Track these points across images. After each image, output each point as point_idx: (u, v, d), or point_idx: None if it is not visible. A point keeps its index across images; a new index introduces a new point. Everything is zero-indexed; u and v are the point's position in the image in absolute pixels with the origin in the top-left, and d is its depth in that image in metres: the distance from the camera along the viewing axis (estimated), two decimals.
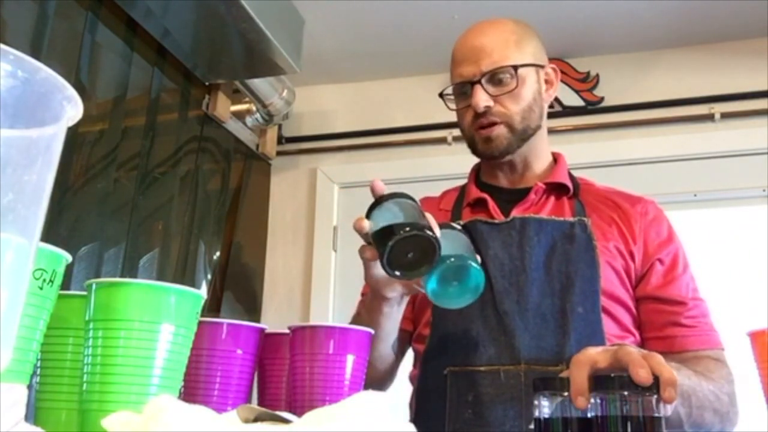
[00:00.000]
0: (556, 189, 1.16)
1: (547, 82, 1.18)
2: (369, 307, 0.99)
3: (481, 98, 1.09)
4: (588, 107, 2.40)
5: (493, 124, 1.11)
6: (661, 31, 2.30)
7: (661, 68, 2.39)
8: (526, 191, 1.15)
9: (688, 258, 1.14)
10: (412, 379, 1.17)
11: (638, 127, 2.35)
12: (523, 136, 1.13)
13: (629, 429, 0.64)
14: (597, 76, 2.42)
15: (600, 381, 0.67)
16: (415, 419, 1.08)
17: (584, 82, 2.42)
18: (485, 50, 1.11)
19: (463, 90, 1.14)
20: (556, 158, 1.22)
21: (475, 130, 1.13)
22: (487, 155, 1.15)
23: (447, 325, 1.06)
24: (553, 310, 1.03)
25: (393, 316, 0.98)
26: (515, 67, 1.10)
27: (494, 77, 1.10)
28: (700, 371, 0.99)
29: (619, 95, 2.39)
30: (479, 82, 1.10)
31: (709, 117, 2.28)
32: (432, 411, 1.04)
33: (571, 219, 1.10)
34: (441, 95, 1.18)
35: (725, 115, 2.26)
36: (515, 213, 1.12)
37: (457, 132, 2.60)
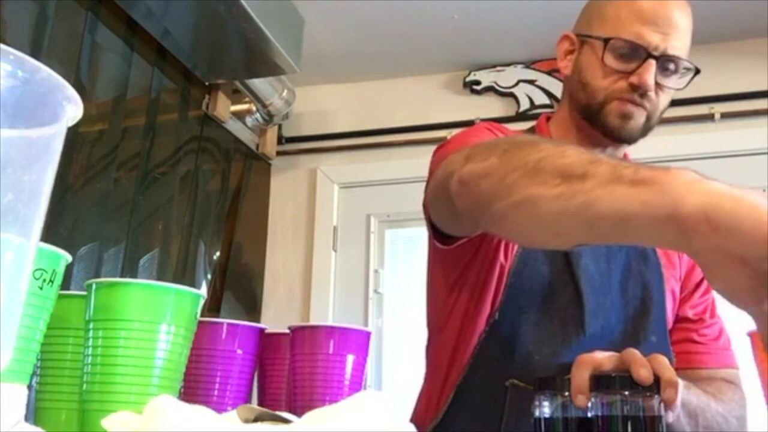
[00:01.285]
0: None
1: None
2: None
3: (652, 78, 0.93)
4: None
5: (641, 106, 0.96)
6: None
7: None
8: None
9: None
10: (442, 366, 1.01)
11: None
12: (645, 135, 1.01)
13: (629, 429, 0.64)
14: None
15: (601, 380, 0.66)
16: (445, 414, 0.96)
17: None
18: (680, 31, 0.95)
19: (627, 51, 0.94)
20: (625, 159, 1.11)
21: (617, 98, 0.96)
22: (614, 133, 0.97)
23: (516, 330, 0.93)
24: (626, 337, 0.93)
25: None
26: (697, 70, 0.97)
27: (667, 63, 0.95)
28: (711, 392, 0.95)
29: None
30: (658, 58, 0.94)
31: (709, 117, 2.28)
32: (476, 416, 0.94)
33: None
34: (604, 40, 0.95)
35: (725, 115, 2.26)
36: None
37: (457, 132, 2.61)
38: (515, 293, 0.95)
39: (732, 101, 2.27)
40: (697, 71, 0.98)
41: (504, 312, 0.95)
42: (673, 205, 0.51)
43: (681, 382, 0.80)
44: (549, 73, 2.42)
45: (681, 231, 0.50)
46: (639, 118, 0.96)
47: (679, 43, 0.95)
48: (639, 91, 0.94)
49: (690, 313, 1.03)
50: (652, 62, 0.93)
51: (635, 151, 2.35)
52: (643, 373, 0.64)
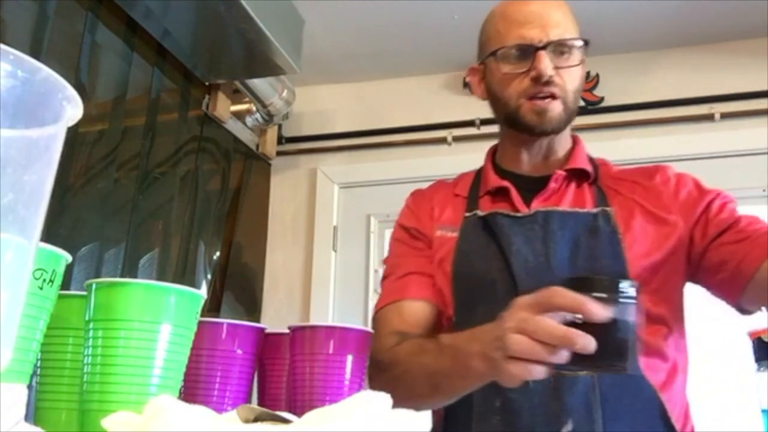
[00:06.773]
0: (577, 175, 1.10)
1: None
2: (455, 378, 0.88)
3: (548, 65, 1.01)
4: (588, 107, 2.40)
5: (552, 96, 1.03)
6: (661, 31, 2.30)
7: (661, 68, 2.39)
8: (547, 179, 1.08)
9: (731, 197, 1.07)
10: None
11: (638, 127, 2.35)
12: (571, 117, 1.07)
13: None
14: (597, 76, 2.42)
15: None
16: (444, 422, 1.01)
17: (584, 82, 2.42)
18: (554, 18, 1.04)
19: (516, 54, 1.04)
20: (574, 141, 1.16)
21: (527, 99, 1.04)
22: (537, 129, 1.06)
23: (470, 325, 0.97)
24: None
25: None
26: (585, 42, 1.04)
27: (559, 48, 1.03)
28: None
29: (619, 95, 2.39)
30: (545, 48, 1.02)
31: (709, 117, 2.28)
32: (459, 416, 0.99)
33: (594, 210, 1.04)
34: (494, 53, 1.06)
35: (725, 115, 2.26)
36: (536, 204, 1.06)
37: (457, 132, 2.63)
38: (462, 294, 1.04)
39: (732, 101, 2.27)
40: (586, 42, 1.04)
41: (458, 313, 1.03)
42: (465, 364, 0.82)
43: None
44: None
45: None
46: (554, 109, 1.04)
47: (557, 29, 1.03)
48: (541, 81, 1.02)
49: (720, 228, 1.00)
50: (542, 53, 1.01)
51: (635, 153, 2.36)
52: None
